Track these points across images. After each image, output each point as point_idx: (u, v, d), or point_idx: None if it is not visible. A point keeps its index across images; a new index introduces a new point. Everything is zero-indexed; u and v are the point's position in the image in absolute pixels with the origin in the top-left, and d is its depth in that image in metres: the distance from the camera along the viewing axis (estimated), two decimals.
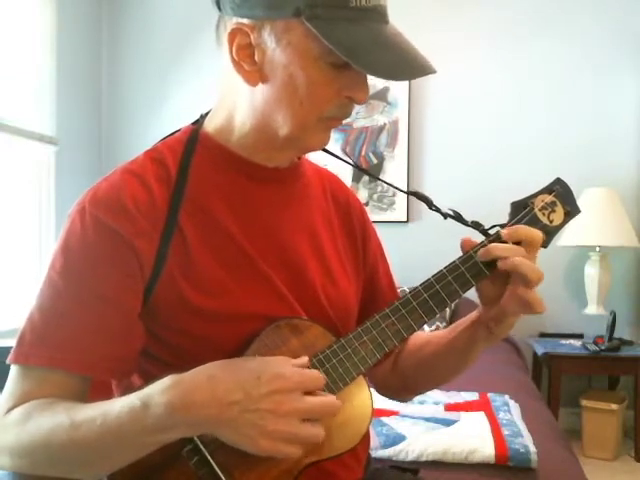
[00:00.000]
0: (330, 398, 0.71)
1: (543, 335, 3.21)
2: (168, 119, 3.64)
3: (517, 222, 0.85)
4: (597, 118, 3.25)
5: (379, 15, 0.73)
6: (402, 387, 0.99)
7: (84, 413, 0.69)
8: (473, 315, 0.86)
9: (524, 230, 0.80)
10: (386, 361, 0.97)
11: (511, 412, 1.73)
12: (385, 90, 3.44)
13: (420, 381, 0.97)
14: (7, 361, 0.75)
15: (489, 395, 1.92)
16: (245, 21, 0.73)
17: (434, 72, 0.72)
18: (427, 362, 0.93)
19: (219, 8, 0.77)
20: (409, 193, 0.93)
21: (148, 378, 0.73)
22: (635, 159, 3.22)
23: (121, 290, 0.74)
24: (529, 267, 0.76)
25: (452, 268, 0.81)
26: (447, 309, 3.06)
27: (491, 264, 0.80)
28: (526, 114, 3.33)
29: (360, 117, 3.47)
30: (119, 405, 0.68)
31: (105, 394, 0.82)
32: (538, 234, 0.80)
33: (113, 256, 0.74)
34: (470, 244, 0.81)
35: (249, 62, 0.75)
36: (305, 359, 0.74)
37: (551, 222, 0.87)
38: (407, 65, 0.72)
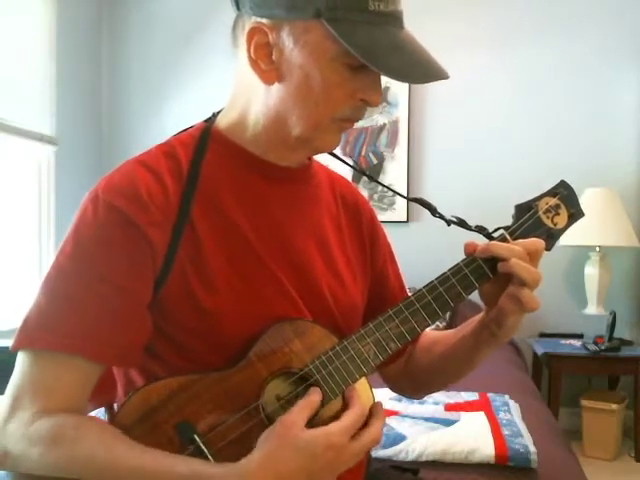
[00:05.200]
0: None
1: (543, 335, 3.20)
2: (168, 119, 3.64)
3: (521, 225, 0.84)
4: (597, 118, 3.25)
5: (396, 20, 0.74)
6: (413, 387, 1.01)
7: (125, 463, 0.68)
8: (478, 318, 0.86)
9: (528, 244, 0.79)
10: (398, 361, 0.97)
11: (511, 412, 1.73)
12: (385, 90, 3.44)
13: (429, 382, 0.98)
14: (11, 348, 0.72)
15: (489, 395, 1.91)
16: (264, 21, 0.74)
17: (447, 77, 0.74)
18: (435, 364, 0.94)
19: (238, 7, 0.78)
20: (412, 200, 0.92)
21: (149, 377, 0.74)
22: (635, 159, 3.22)
23: (132, 277, 0.73)
24: (525, 270, 0.76)
25: (456, 271, 0.81)
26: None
27: (495, 267, 0.80)
28: (526, 114, 3.32)
29: None
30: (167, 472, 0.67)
31: (104, 393, 0.82)
32: (541, 245, 0.80)
33: (125, 242, 0.73)
34: (473, 247, 0.81)
35: (266, 61, 0.75)
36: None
37: (555, 225, 0.86)
38: (423, 69, 0.74)
